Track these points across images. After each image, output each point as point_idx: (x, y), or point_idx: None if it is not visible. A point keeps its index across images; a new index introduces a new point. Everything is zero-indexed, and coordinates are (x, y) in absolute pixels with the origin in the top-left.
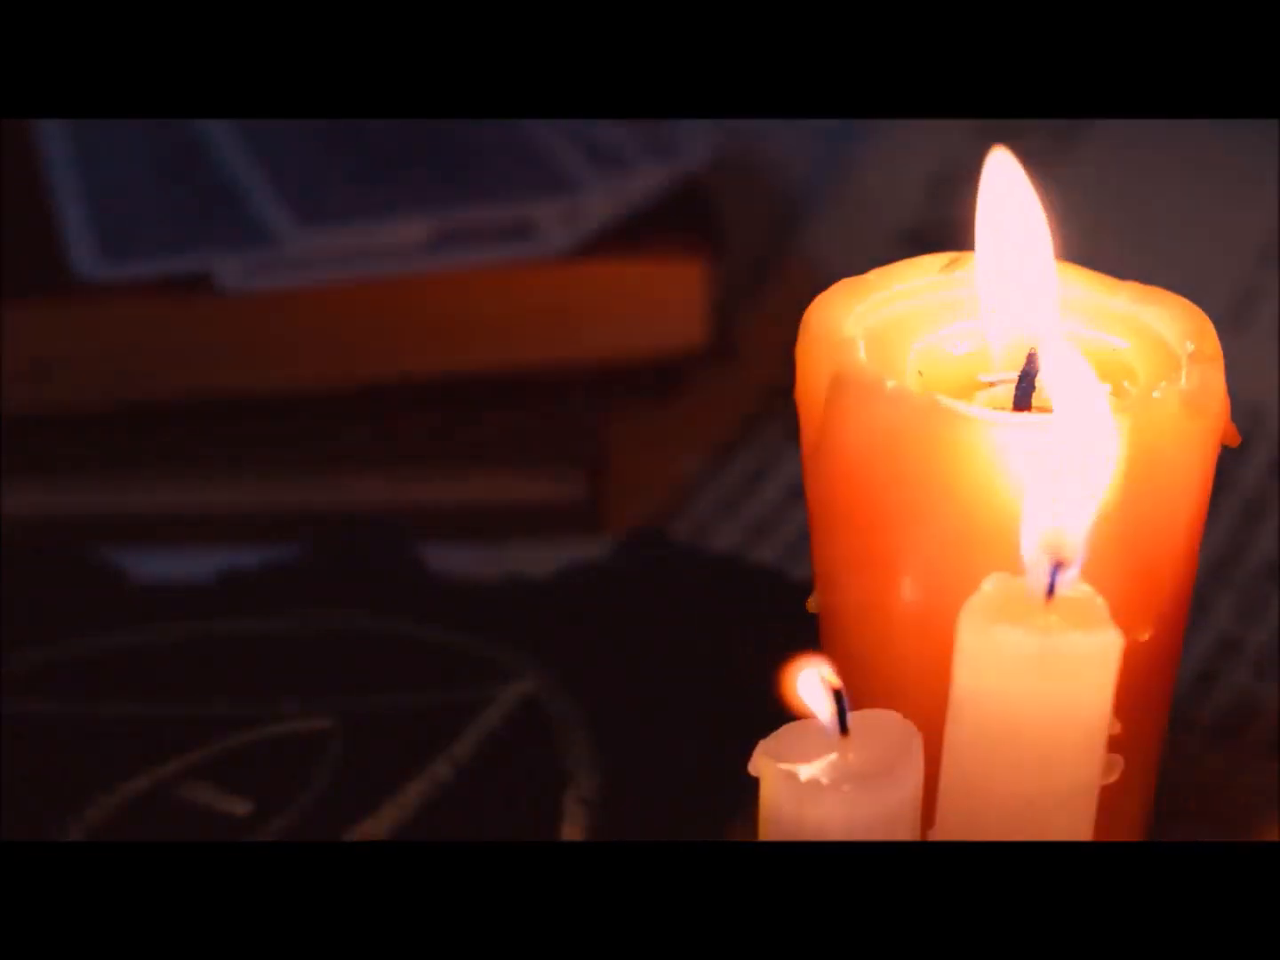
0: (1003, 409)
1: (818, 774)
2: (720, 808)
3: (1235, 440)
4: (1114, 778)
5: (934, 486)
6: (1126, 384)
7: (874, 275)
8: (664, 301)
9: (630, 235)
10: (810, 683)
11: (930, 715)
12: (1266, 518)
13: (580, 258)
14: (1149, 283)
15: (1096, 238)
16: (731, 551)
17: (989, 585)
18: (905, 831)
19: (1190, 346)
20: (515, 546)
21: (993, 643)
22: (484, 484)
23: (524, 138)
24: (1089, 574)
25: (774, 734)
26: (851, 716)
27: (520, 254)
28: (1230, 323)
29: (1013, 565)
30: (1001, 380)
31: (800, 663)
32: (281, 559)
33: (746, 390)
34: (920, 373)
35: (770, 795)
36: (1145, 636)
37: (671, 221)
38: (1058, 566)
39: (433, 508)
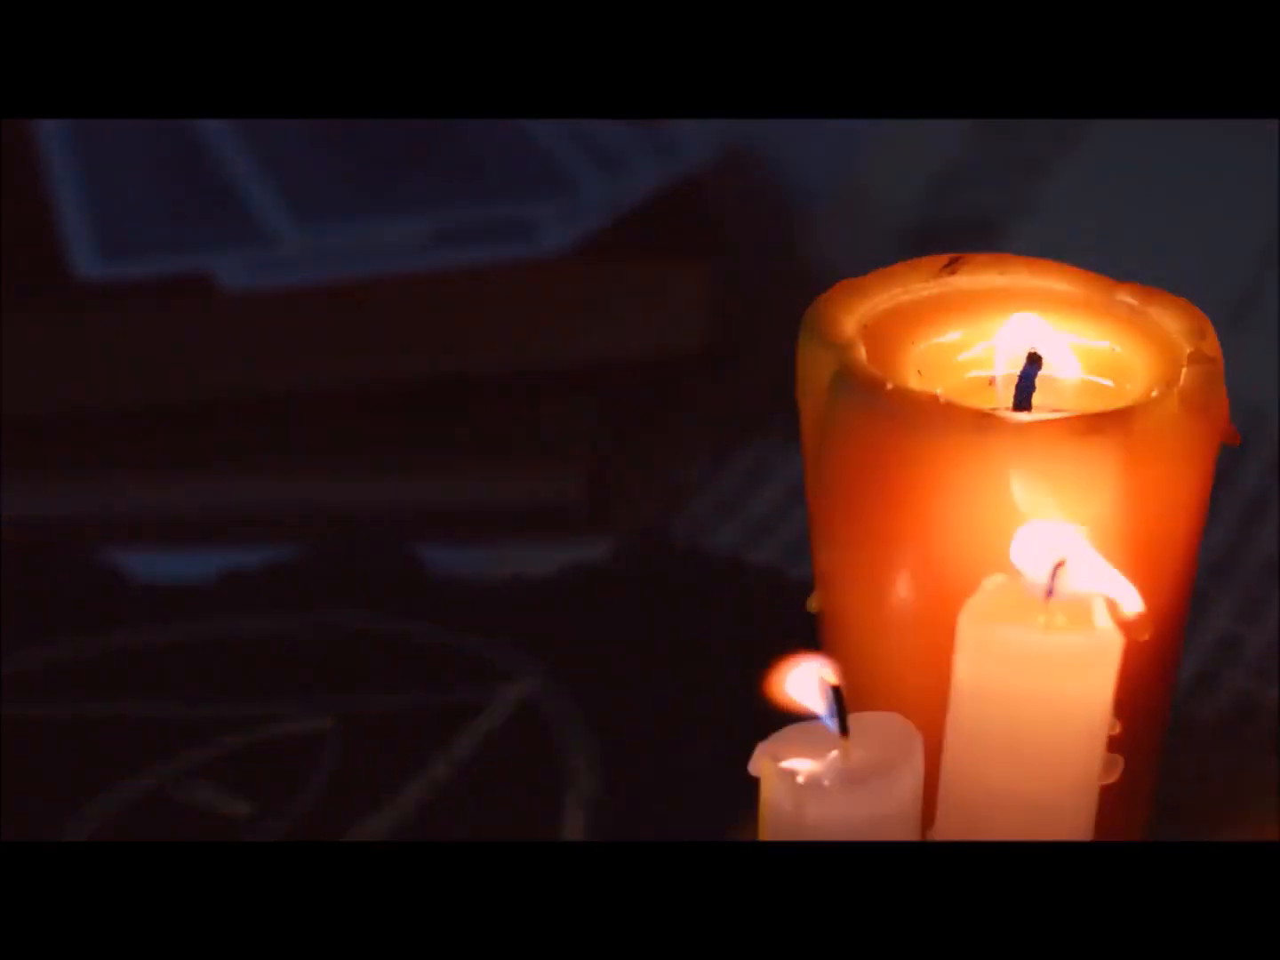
0: (1003, 409)
1: (818, 774)
2: (720, 808)
3: (1235, 440)
4: (1114, 778)
5: (934, 486)
6: (1127, 384)
7: (874, 275)
8: (664, 301)
9: (630, 235)
10: (810, 682)
11: (930, 715)
12: (1266, 518)
13: (580, 258)
14: (1149, 283)
15: (1096, 238)
16: (731, 551)
17: (989, 585)
18: (905, 831)
19: (1190, 347)
20: (515, 546)
21: (993, 643)
22: (484, 484)
23: (524, 138)
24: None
25: (774, 734)
26: (851, 717)
27: (520, 254)
28: (1230, 323)
29: (1013, 565)
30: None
31: (797, 662)
32: (281, 559)
33: (746, 390)
34: (920, 373)
35: (770, 795)
36: (1145, 636)
37: (671, 221)
38: (1058, 566)
39: (432, 508)
